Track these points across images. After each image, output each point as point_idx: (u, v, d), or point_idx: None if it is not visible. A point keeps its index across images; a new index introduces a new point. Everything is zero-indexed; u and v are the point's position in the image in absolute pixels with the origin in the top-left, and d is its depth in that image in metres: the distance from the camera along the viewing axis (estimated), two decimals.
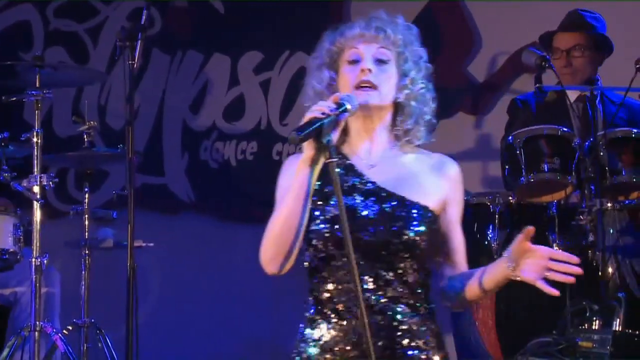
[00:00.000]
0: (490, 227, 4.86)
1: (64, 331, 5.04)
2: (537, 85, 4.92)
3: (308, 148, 2.77)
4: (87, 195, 5.28)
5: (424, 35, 6.51)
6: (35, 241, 4.79)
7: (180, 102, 6.90)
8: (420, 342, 2.89)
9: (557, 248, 4.75)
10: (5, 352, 4.79)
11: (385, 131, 3.03)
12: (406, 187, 2.95)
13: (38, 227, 4.80)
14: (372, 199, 2.92)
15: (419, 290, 2.92)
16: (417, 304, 2.91)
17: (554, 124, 4.85)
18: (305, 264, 2.95)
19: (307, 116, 2.75)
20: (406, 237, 2.88)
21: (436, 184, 2.99)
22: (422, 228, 2.89)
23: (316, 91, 3.02)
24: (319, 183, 2.88)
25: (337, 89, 2.99)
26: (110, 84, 6.90)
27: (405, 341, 2.89)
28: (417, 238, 2.88)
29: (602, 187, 4.61)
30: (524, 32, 5.57)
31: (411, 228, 2.88)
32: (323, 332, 2.91)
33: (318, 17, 6.28)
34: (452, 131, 6.32)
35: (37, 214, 4.80)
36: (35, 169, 4.80)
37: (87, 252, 5.23)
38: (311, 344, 2.91)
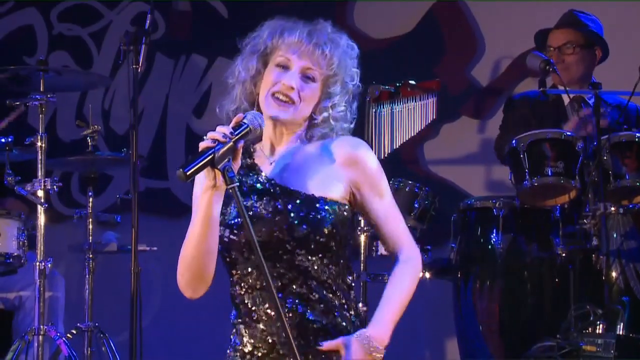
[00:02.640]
0: (494, 230, 4.87)
1: (68, 335, 5.04)
2: (542, 89, 4.94)
3: (207, 176, 2.76)
4: (91, 200, 5.28)
5: (428, 39, 6.51)
6: (39, 245, 4.79)
7: (183, 106, 6.90)
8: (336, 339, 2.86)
9: (560, 251, 4.76)
10: (9, 356, 4.79)
11: (295, 135, 2.98)
12: (305, 181, 2.90)
13: (42, 231, 4.80)
14: (267, 197, 2.89)
15: (328, 285, 2.89)
16: (329, 299, 2.88)
17: (550, 125, 4.87)
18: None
19: (201, 145, 2.73)
20: (298, 233, 2.84)
21: (339, 171, 2.92)
22: (318, 220, 2.85)
23: (239, 79, 2.99)
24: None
25: (259, 84, 2.96)
26: (114, 89, 6.90)
27: (320, 339, 2.86)
28: (310, 232, 2.84)
29: (605, 191, 4.62)
30: (527, 36, 5.57)
31: (304, 223, 2.85)
32: (244, 336, 2.91)
33: (322, 19, 6.28)
34: (455, 135, 6.33)
35: (41, 218, 4.80)
36: (39, 173, 4.81)
37: (90, 256, 5.23)
38: (236, 349, 2.93)
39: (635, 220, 4.78)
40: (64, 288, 5.63)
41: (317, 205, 2.87)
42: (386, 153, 5.08)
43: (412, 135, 5.18)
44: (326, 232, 2.86)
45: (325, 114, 2.95)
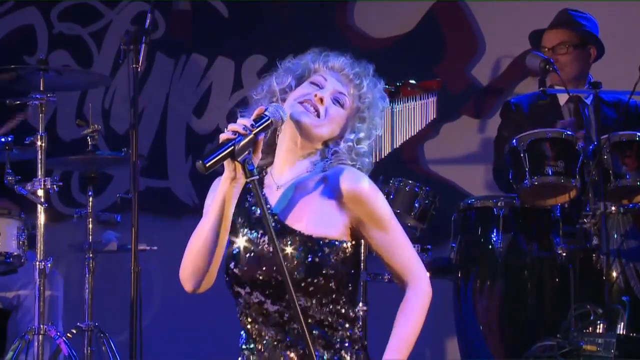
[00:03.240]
0: (494, 230, 4.86)
1: (68, 334, 5.04)
2: (542, 88, 4.94)
3: (227, 168, 2.75)
4: (91, 199, 5.28)
5: (428, 39, 6.52)
6: (39, 244, 4.79)
7: (184, 106, 6.90)
8: None
9: (560, 251, 4.76)
10: (9, 356, 4.79)
11: (307, 162, 2.95)
12: (305, 219, 2.86)
13: (42, 230, 4.80)
14: (266, 236, 2.85)
15: (328, 323, 2.86)
16: (329, 336, 2.86)
17: (547, 126, 4.86)
18: None
19: (221, 137, 2.72)
20: (295, 276, 2.80)
21: (339, 208, 2.87)
22: (316, 265, 2.82)
23: (270, 89, 2.98)
24: (233, 213, 2.85)
25: (286, 101, 2.95)
26: (114, 88, 6.90)
27: None
28: (307, 276, 2.81)
29: (606, 190, 4.61)
30: (527, 36, 5.57)
31: (301, 267, 2.81)
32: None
33: (323, 20, 6.28)
34: (456, 135, 6.33)
35: (41, 218, 4.80)
36: (39, 173, 4.80)
37: (91, 255, 5.23)
38: None
39: (635, 219, 4.77)
40: (64, 287, 5.63)
41: (316, 247, 2.83)
42: (386, 152, 5.07)
43: (413, 134, 5.17)
44: (325, 274, 2.83)
45: (348, 144, 2.93)
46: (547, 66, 4.89)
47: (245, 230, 2.90)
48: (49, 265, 4.77)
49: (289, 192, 2.92)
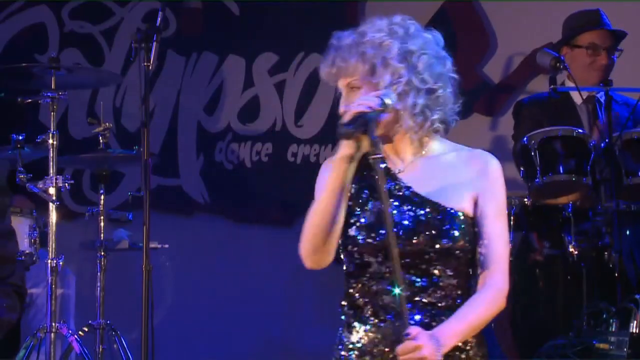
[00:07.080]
0: None
1: (80, 332, 5.05)
2: (552, 86, 4.92)
3: (346, 146, 2.79)
4: (102, 197, 5.29)
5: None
6: (50, 242, 4.80)
7: (195, 104, 6.91)
8: (459, 343, 2.86)
9: (572, 249, 4.75)
10: (21, 354, 4.80)
11: (408, 134, 2.95)
12: (442, 192, 2.91)
13: (54, 228, 4.81)
14: (407, 205, 2.90)
15: (455, 294, 2.90)
16: (454, 306, 2.89)
17: (561, 124, 4.85)
18: (344, 267, 2.96)
19: (353, 110, 2.76)
20: (439, 245, 2.85)
21: (469, 183, 2.93)
22: (456, 235, 2.87)
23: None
24: (355, 187, 2.91)
25: None
26: (125, 86, 6.91)
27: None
28: (450, 246, 2.86)
29: (617, 188, 4.60)
30: (540, 33, 5.55)
31: (444, 236, 2.86)
32: (361, 335, 2.92)
33: (333, 18, 6.27)
34: (467, 132, 6.28)
35: (53, 216, 4.81)
36: (51, 171, 4.81)
37: (102, 253, 5.24)
38: (349, 347, 2.93)
39: None
40: (75, 285, 5.64)
41: (456, 219, 2.88)
42: None
43: None
44: (464, 246, 2.88)
45: (422, 101, 2.93)
46: (558, 64, 4.87)
47: (373, 201, 2.91)
48: (61, 263, 4.78)
49: (418, 167, 2.95)
